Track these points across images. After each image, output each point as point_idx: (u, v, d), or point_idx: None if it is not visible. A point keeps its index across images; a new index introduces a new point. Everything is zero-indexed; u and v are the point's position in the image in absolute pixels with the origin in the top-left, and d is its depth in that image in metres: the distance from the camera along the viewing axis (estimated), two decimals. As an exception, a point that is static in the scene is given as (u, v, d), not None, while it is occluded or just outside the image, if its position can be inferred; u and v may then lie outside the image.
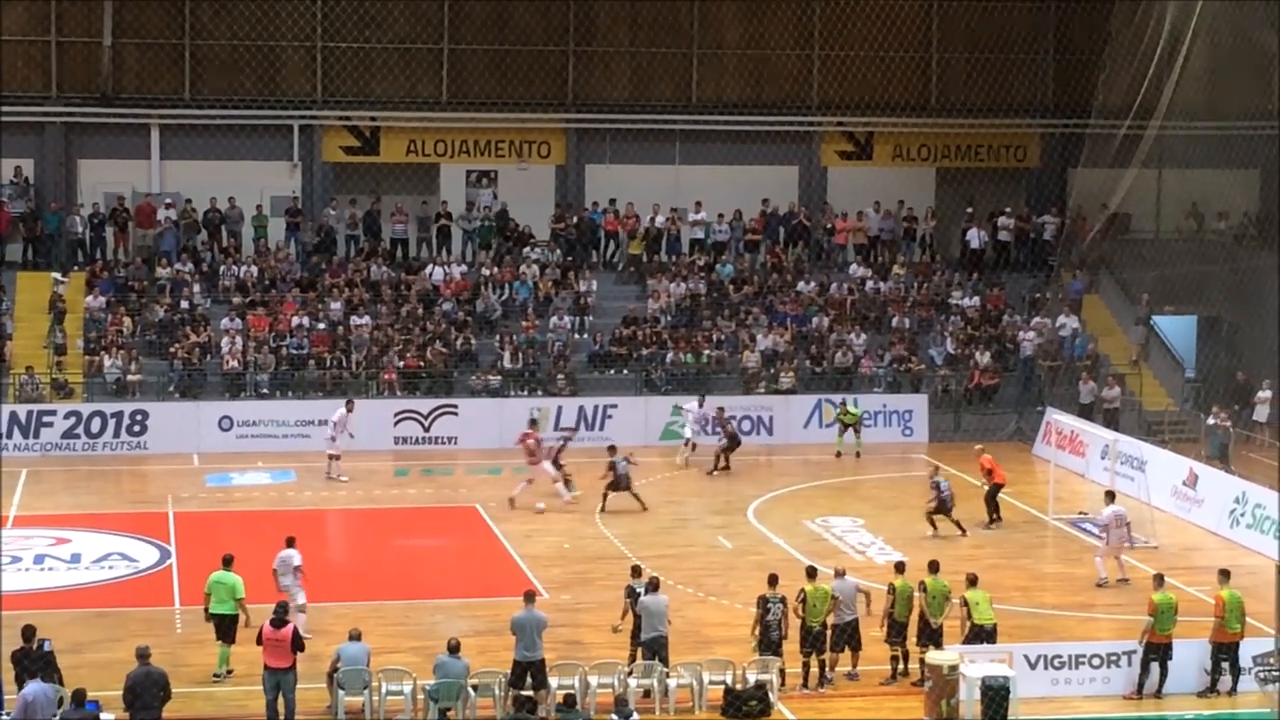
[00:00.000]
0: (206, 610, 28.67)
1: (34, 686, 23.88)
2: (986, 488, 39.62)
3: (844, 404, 47.86)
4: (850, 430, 47.29)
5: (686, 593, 33.22)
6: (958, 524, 38.32)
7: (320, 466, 43.90)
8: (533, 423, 43.59)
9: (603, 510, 39.99)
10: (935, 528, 38.38)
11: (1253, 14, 45.95)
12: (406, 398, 48.29)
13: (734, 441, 45.40)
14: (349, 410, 44.06)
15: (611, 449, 40.97)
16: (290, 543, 30.40)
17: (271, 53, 53.88)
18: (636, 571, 29.19)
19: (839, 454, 47.27)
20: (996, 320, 53.46)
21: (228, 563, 28.69)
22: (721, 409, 46.21)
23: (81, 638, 30.04)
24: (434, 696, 26.32)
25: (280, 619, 26.11)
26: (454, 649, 26.54)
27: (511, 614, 27.23)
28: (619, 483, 40.05)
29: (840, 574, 29.01)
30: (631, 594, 28.38)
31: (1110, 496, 36.05)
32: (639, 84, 56.30)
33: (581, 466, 45.49)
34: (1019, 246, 56.46)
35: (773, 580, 28.70)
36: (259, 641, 26.25)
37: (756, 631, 28.23)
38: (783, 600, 28.34)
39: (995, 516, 39.44)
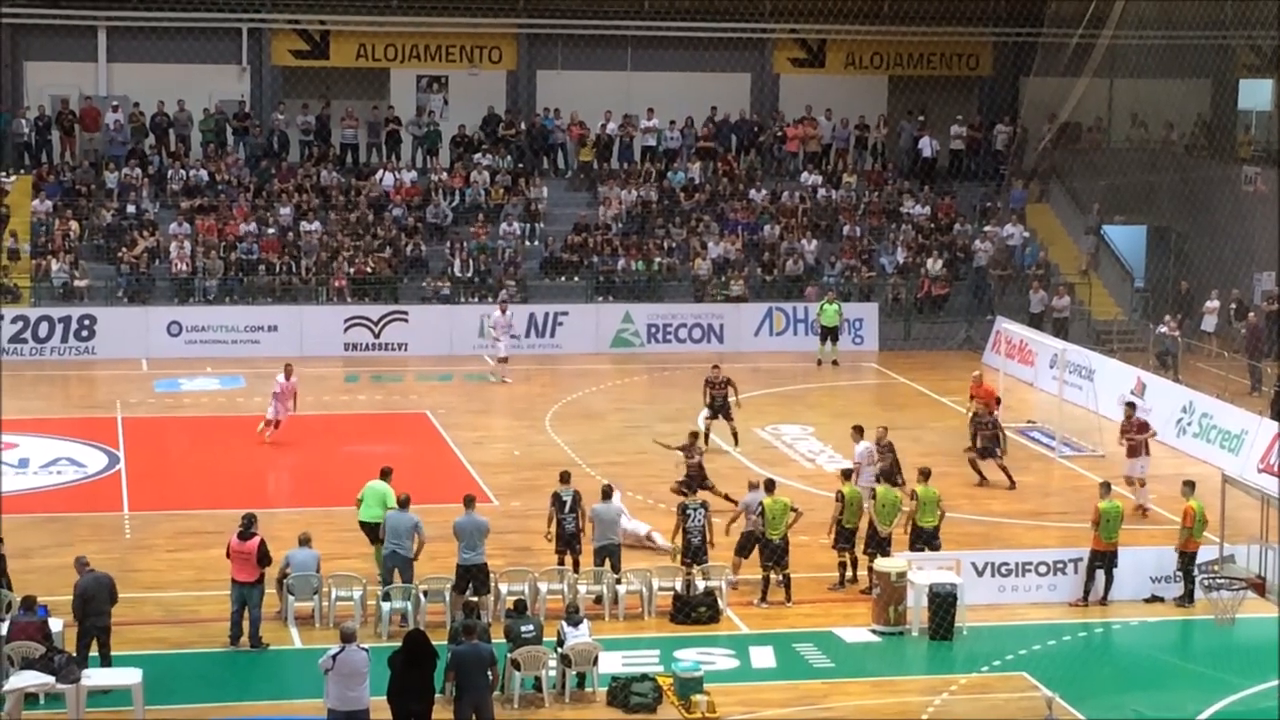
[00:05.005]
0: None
1: None
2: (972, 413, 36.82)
3: (821, 306, 47.44)
4: (829, 339, 47.09)
5: (637, 499, 33.29)
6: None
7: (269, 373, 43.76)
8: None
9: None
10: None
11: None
12: (357, 304, 48.13)
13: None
14: (503, 312, 44.75)
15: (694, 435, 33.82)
16: None
17: (219, -46, 53.32)
18: (565, 478, 28.96)
19: (820, 362, 47.26)
20: (948, 229, 53.48)
21: (385, 474, 28.66)
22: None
23: (30, 543, 29.92)
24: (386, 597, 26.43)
25: (246, 531, 25.81)
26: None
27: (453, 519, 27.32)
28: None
29: (755, 487, 29.01)
30: (557, 501, 28.34)
31: (858, 431, 32.56)
32: (591, -12, 55.91)
33: (531, 373, 45.58)
34: (971, 155, 56.47)
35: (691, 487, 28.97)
36: (228, 554, 26.05)
37: (678, 540, 28.38)
38: (704, 506, 28.51)
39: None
